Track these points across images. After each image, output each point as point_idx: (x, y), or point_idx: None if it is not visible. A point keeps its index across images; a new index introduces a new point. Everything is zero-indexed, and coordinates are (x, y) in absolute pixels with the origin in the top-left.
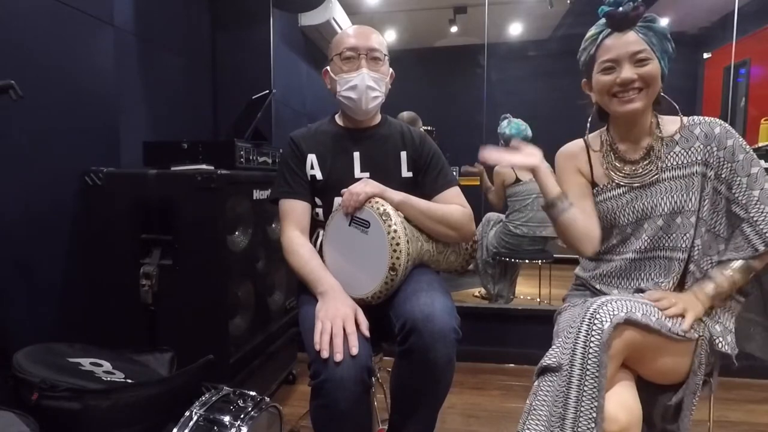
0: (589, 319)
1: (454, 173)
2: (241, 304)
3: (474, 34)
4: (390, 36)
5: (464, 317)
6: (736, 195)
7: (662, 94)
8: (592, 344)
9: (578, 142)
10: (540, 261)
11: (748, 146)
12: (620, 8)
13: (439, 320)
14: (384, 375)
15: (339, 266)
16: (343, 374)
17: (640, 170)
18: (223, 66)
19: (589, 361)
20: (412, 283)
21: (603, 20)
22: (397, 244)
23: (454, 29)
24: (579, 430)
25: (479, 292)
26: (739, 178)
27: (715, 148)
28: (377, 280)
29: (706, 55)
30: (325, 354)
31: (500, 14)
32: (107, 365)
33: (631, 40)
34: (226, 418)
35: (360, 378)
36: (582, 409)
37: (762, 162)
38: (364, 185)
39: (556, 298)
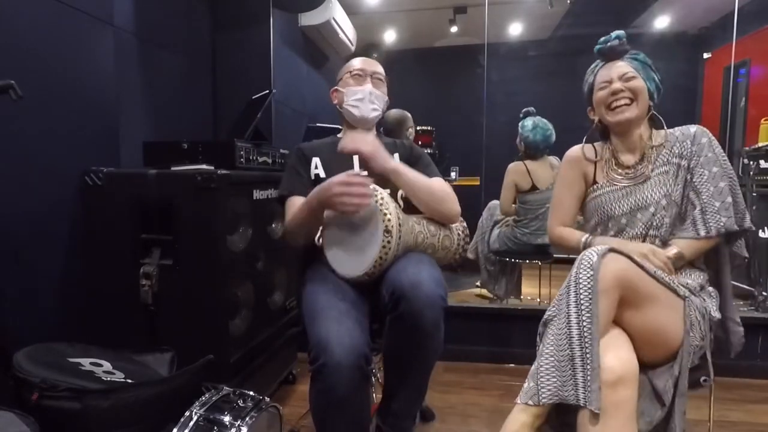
0: (579, 261)
1: (454, 173)
2: (241, 304)
3: (474, 34)
4: (390, 36)
5: (464, 317)
6: (696, 184)
7: (654, 112)
8: (581, 279)
9: (588, 147)
10: (540, 261)
11: (720, 150)
12: (608, 44)
13: (426, 287)
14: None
15: (339, 242)
16: (341, 359)
17: (635, 171)
18: (223, 66)
19: (582, 296)
20: (403, 260)
21: (598, 58)
22: (387, 209)
23: (454, 29)
24: (588, 367)
25: (482, 291)
26: (701, 170)
27: (689, 143)
28: (375, 246)
29: (706, 55)
30: (355, 197)
31: (500, 14)
32: (107, 365)
33: (620, 65)
34: (226, 418)
35: (357, 364)
36: (586, 346)
37: (762, 162)
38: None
39: None
